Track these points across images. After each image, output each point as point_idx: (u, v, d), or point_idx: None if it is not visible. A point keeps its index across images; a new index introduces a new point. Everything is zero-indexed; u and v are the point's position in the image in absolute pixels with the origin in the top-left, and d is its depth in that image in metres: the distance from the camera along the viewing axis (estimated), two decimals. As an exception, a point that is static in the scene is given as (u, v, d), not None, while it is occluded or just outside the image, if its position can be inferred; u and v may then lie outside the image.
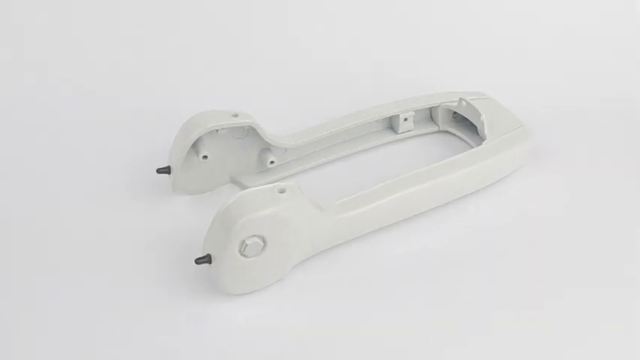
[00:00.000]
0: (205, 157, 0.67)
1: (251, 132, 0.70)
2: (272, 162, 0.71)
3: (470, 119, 0.77)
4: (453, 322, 0.59)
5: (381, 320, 0.59)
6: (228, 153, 0.70)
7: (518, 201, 0.71)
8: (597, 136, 0.78)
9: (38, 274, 0.62)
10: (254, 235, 0.58)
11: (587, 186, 0.72)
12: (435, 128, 0.79)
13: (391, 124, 0.78)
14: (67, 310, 0.59)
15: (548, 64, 0.89)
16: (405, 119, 0.77)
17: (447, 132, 0.79)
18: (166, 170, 0.68)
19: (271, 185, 0.60)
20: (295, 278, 0.63)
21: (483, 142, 0.72)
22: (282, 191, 0.59)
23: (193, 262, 0.59)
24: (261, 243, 0.58)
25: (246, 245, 0.58)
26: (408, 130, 0.78)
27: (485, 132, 0.73)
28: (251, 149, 0.71)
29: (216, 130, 0.68)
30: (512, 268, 0.64)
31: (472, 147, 0.75)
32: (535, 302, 0.61)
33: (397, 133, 0.77)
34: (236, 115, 0.67)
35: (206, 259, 0.59)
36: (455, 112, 0.78)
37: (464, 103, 0.76)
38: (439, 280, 0.63)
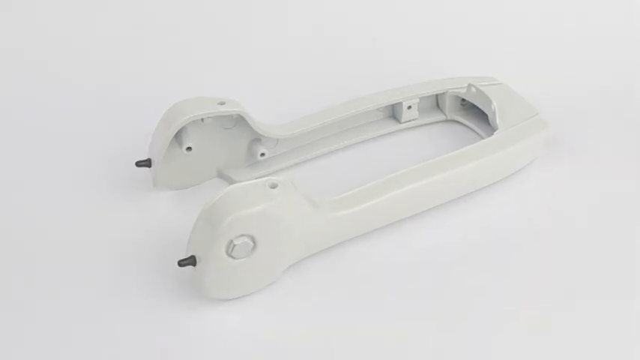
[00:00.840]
0: (189, 148, 0.67)
1: (240, 121, 0.69)
2: (263, 154, 0.71)
3: (480, 107, 0.77)
4: (462, 334, 0.59)
5: (381, 330, 0.59)
6: (215, 144, 0.70)
7: (532, 197, 0.71)
8: (616, 126, 0.78)
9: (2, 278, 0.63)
10: (243, 235, 0.58)
11: (608, 180, 0.72)
12: (442, 117, 0.79)
13: (393, 113, 0.78)
14: (33, 323, 0.59)
15: (562, 48, 0.89)
16: (409, 107, 0.77)
17: (454, 121, 0.79)
18: (146, 163, 0.68)
19: (262, 180, 0.60)
20: (288, 282, 0.63)
21: (495, 132, 0.72)
22: (273, 186, 0.59)
23: (176, 265, 0.59)
24: (251, 243, 0.58)
25: (234, 246, 0.57)
26: (412, 119, 0.78)
27: (497, 121, 0.73)
28: (240, 140, 0.71)
29: (202, 119, 0.67)
30: (525, 269, 0.64)
31: (482, 137, 0.75)
32: (550, 307, 0.61)
33: (400, 123, 0.78)
34: (223, 103, 0.67)
35: (190, 261, 0.59)
36: (463, 100, 0.78)
37: (473, 89, 0.76)
38: (445, 285, 0.63)
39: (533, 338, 0.58)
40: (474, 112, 0.78)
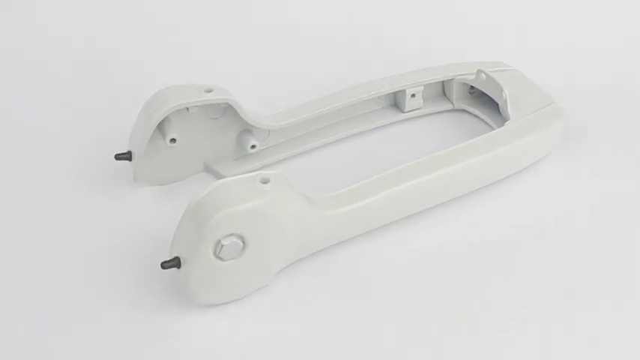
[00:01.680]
0: (173, 140, 0.67)
1: (228, 110, 0.69)
2: (253, 146, 0.71)
3: (490, 95, 0.76)
4: (463, 335, 0.60)
5: (380, 339, 0.59)
6: (201, 135, 0.70)
7: (545, 194, 0.71)
8: (636, 116, 0.78)
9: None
10: (231, 234, 0.58)
11: (630, 175, 0.72)
12: (449, 106, 0.79)
13: (396, 101, 0.78)
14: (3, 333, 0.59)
15: (581, 31, 0.90)
16: (413, 95, 0.77)
17: (462, 110, 0.79)
18: (127, 156, 0.68)
19: (252, 174, 0.60)
20: (281, 285, 0.62)
21: (506, 123, 0.72)
22: (265, 181, 0.59)
23: (159, 267, 0.59)
24: (240, 243, 0.58)
25: (222, 246, 0.57)
26: (417, 109, 0.78)
27: (509, 110, 0.72)
28: (228, 131, 0.71)
29: (186, 109, 0.67)
30: (530, 272, 0.64)
31: (492, 128, 0.75)
32: (554, 307, 0.61)
33: (403, 112, 0.78)
34: (210, 91, 0.67)
35: (174, 263, 0.59)
36: (472, 87, 0.78)
37: (483, 75, 0.76)
38: (448, 287, 0.63)
39: (535, 338, 0.59)
40: (484, 101, 0.78)
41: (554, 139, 0.74)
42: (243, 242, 0.58)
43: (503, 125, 0.72)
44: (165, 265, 0.59)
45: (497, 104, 0.76)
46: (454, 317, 0.60)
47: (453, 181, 0.67)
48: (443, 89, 0.79)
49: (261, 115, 0.71)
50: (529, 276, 0.63)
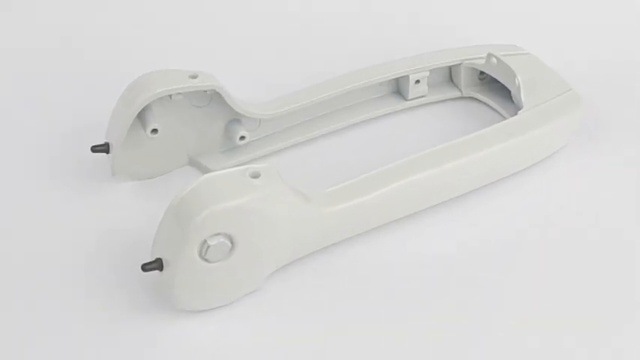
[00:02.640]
0: (155, 130, 0.67)
1: (215, 98, 0.69)
2: (242, 137, 0.71)
3: (501, 81, 0.76)
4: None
5: (380, 338, 0.60)
6: (185, 126, 0.70)
7: (561, 190, 0.71)
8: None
9: None
10: (219, 234, 0.58)
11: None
12: (456, 93, 0.79)
13: (398, 88, 0.78)
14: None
15: (601, 12, 0.90)
16: (417, 81, 0.77)
17: (471, 98, 0.79)
18: (104, 148, 0.68)
19: (242, 168, 0.60)
20: (272, 289, 0.63)
21: (519, 112, 0.72)
22: (255, 175, 0.59)
23: (139, 269, 0.59)
24: (228, 243, 0.58)
25: (209, 246, 0.58)
26: (421, 96, 0.78)
27: (522, 98, 0.73)
28: (215, 121, 0.71)
29: (169, 96, 0.67)
30: (533, 274, 0.64)
31: (504, 118, 0.75)
32: (557, 308, 0.62)
33: (406, 100, 0.78)
34: (195, 76, 0.67)
35: (156, 265, 0.59)
36: (482, 72, 0.79)
37: (494, 60, 0.76)
38: (450, 290, 0.63)
39: (534, 339, 0.59)
40: (495, 88, 0.78)
41: (571, 130, 0.74)
42: (232, 242, 0.59)
43: (515, 114, 0.72)
44: (146, 267, 0.59)
45: (509, 91, 0.76)
46: (454, 317, 0.61)
47: (459, 176, 0.68)
48: (450, 75, 0.80)
49: (250, 103, 0.71)
50: (531, 278, 0.64)
